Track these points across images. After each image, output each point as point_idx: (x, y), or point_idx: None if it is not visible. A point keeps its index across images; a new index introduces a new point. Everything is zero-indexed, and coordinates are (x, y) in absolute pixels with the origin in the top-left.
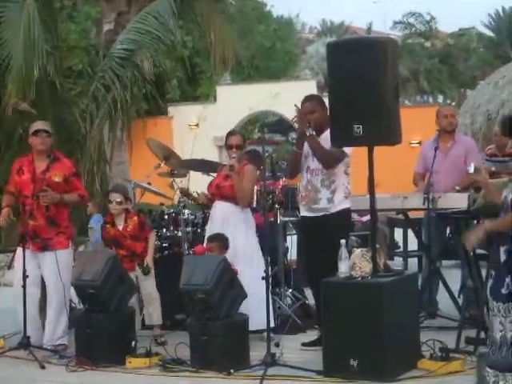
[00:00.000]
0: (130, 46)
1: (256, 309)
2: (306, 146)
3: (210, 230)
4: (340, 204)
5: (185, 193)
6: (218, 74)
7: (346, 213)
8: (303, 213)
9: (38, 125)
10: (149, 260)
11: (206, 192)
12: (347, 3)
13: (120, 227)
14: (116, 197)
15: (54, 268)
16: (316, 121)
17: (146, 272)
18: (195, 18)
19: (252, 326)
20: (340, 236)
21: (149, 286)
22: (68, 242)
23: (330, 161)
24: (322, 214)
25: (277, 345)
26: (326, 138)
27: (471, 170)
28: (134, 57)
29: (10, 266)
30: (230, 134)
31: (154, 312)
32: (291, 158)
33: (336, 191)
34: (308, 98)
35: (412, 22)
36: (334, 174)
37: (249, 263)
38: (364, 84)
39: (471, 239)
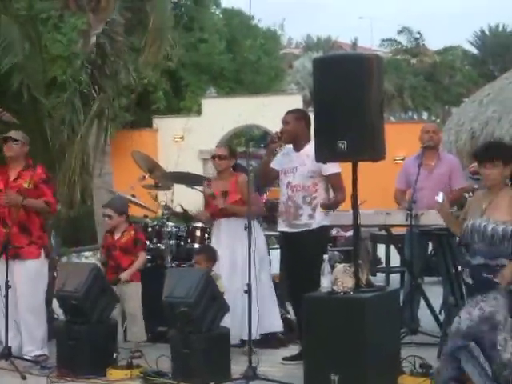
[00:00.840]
0: (113, 57)
1: (240, 322)
2: (284, 162)
3: (218, 246)
4: (321, 221)
5: (169, 209)
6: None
7: (326, 229)
8: (282, 228)
9: (9, 133)
10: (124, 274)
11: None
12: (332, 18)
13: (116, 237)
14: (107, 211)
15: (26, 278)
16: (288, 133)
17: (113, 282)
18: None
19: (241, 337)
20: (319, 252)
21: (133, 305)
22: (40, 251)
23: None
24: (302, 229)
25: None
26: (306, 154)
27: (439, 199)
28: (117, 68)
29: None
30: (217, 146)
31: (137, 331)
32: (260, 167)
33: (317, 208)
34: (288, 112)
35: (399, 39)
36: (315, 191)
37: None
38: (349, 100)
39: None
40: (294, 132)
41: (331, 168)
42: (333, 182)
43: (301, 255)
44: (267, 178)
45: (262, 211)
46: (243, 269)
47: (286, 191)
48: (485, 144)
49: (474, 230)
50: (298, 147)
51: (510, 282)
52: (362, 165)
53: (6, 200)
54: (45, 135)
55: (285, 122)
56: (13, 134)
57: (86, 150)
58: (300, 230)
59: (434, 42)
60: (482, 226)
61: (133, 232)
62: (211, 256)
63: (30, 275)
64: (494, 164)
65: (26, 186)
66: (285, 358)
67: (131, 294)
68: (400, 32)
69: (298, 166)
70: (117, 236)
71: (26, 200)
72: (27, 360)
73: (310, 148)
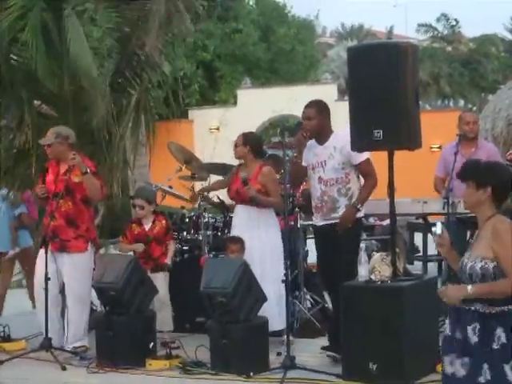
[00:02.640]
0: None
1: (275, 311)
2: (309, 157)
3: (234, 234)
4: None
5: (205, 198)
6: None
7: (361, 220)
8: (320, 223)
9: (41, 141)
10: (169, 260)
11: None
12: (366, 7)
13: (146, 227)
14: (138, 202)
15: (72, 271)
16: (313, 128)
17: (166, 269)
18: None
19: (271, 328)
20: (356, 241)
21: (162, 294)
22: (86, 245)
23: (373, 183)
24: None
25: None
26: (332, 146)
27: (438, 230)
28: (155, 59)
29: None
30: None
31: (164, 318)
32: (292, 167)
33: (353, 197)
34: (308, 105)
35: (435, 25)
36: (349, 182)
37: (272, 265)
38: (384, 88)
39: (452, 297)
40: (319, 127)
41: (360, 156)
42: (363, 168)
43: (338, 245)
44: (299, 177)
45: (281, 206)
46: (261, 258)
47: (318, 186)
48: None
49: (461, 270)
50: (322, 140)
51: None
52: (397, 153)
53: (74, 162)
54: (85, 127)
55: (307, 117)
56: (42, 140)
57: (124, 142)
58: (337, 220)
59: (470, 29)
60: (463, 264)
61: (164, 221)
62: (244, 245)
63: (76, 268)
64: (468, 184)
65: (76, 180)
66: (323, 348)
67: (159, 284)
68: (438, 19)
69: (327, 159)
70: (147, 226)
71: (87, 173)
72: (67, 351)
73: (334, 139)
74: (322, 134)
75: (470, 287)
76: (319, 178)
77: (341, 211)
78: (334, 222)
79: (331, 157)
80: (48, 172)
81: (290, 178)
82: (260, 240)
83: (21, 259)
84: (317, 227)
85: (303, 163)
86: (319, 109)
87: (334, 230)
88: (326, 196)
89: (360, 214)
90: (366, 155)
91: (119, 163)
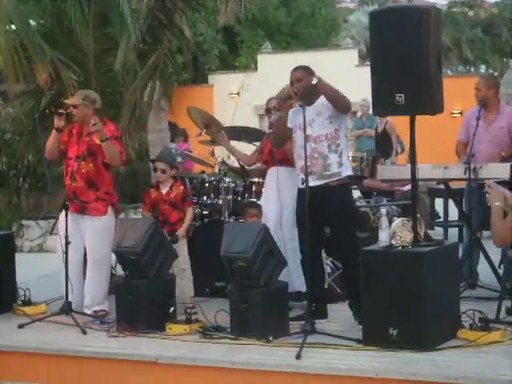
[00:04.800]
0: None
1: (297, 273)
2: (296, 118)
3: (266, 194)
4: (348, 165)
5: (225, 164)
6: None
7: (351, 178)
8: (311, 183)
9: (67, 100)
10: (181, 231)
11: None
12: None
13: (163, 191)
14: (160, 165)
15: (92, 234)
16: (302, 89)
17: (174, 241)
18: None
19: (291, 289)
20: (351, 201)
21: (182, 260)
22: (106, 208)
23: (346, 103)
24: (334, 179)
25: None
26: (319, 104)
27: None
28: (174, 22)
29: (51, 232)
30: (270, 99)
31: (185, 284)
32: (279, 124)
33: (342, 154)
34: (295, 68)
35: None
36: (338, 138)
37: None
38: (406, 53)
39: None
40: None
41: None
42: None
43: (335, 207)
44: (284, 137)
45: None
46: (288, 220)
47: (307, 145)
48: None
49: None
50: (311, 102)
51: None
52: (418, 118)
53: (95, 128)
54: (108, 92)
55: (297, 79)
56: (69, 100)
57: (140, 105)
58: (330, 180)
59: None
60: None
61: (182, 187)
62: (261, 210)
63: (96, 231)
64: None
65: (98, 142)
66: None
67: (179, 250)
68: None
69: (315, 117)
70: (164, 190)
71: (107, 140)
72: (87, 315)
73: (322, 98)
74: (312, 97)
75: None
76: (308, 136)
77: (332, 169)
78: (326, 181)
79: (319, 114)
80: (70, 133)
81: (275, 138)
82: (294, 200)
83: None
84: (313, 188)
85: (288, 124)
86: (308, 71)
87: (326, 193)
88: (317, 153)
89: (346, 174)
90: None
91: (138, 127)
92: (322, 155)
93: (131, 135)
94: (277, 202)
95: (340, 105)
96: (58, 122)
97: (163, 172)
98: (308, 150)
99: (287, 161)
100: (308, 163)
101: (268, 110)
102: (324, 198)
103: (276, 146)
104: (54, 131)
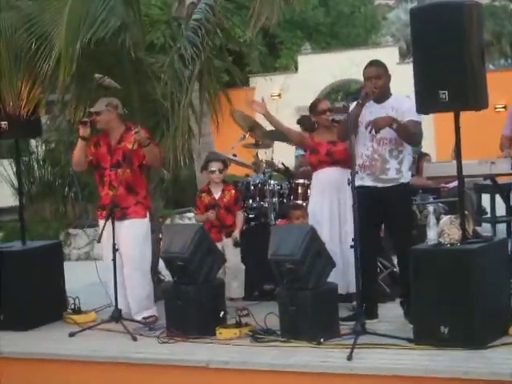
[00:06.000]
0: (207, 16)
1: (339, 275)
2: (365, 114)
3: (322, 193)
4: (407, 176)
5: (270, 164)
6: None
7: (409, 185)
8: (367, 183)
9: (92, 109)
10: (237, 234)
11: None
12: None
13: (216, 196)
14: (217, 165)
15: (132, 237)
16: (382, 86)
17: (237, 244)
18: None
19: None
20: (409, 205)
21: (235, 259)
22: (145, 212)
23: (417, 141)
24: (391, 184)
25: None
26: (390, 106)
27: None
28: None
29: (99, 240)
30: (318, 101)
31: (238, 286)
32: (349, 120)
33: (403, 162)
34: (373, 63)
35: None
36: (401, 145)
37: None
38: (449, 49)
39: None
40: (385, 86)
41: (413, 115)
42: (411, 125)
43: (392, 210)
44: (355, 131)
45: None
46: (341, 221)
47: (370, 144)
48: None
49: None
50: (381, 100)
51: None
52: (462, 114)
53: (137, 137)
54: (150, 100)
55: (377, 76)
56: (93, 108)
57: (189, 112)
58: (388, 184)
59: None
60: None
61: (233, 191)
62: (306, 211)
63: (136, 234)
64: None
65: (130, 147)
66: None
67: (231, 252)
68: None
69: None
70: (217, 195)
71: (150, 145)
72: (137, 322)
73: (394, 100)
74: (385, 94)
75: None
76: (372, 135)
77: (390, 174)
78: (387, 185)
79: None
80: (98, 144)
81: (344, 132)
82: (345, 201)
83: None
84: (365, 187)
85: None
86: (385, 68)
87: (384, 194)
88: (377, 154)
89: (405, 180)
90: (417, 117)
91: (184, 133)
92: (382, 157)
93: (182, 141)
94: (335, 200)
95: (410, 142)
96: (84, 131)
97: (220, 172)
98: (369, 149)
99: (345, 162)
100: (367, 163)
101: (322, 112)
102: (383, 198)
103: (343, 139)
104: (79, 142)
